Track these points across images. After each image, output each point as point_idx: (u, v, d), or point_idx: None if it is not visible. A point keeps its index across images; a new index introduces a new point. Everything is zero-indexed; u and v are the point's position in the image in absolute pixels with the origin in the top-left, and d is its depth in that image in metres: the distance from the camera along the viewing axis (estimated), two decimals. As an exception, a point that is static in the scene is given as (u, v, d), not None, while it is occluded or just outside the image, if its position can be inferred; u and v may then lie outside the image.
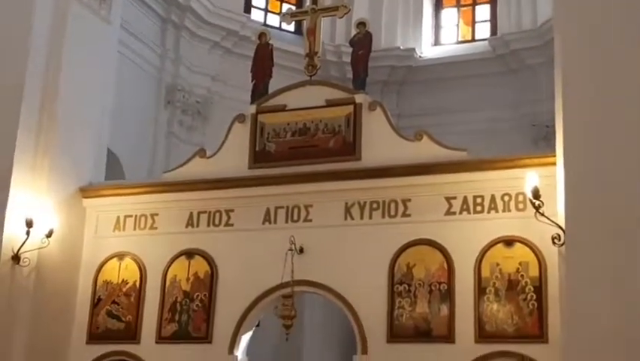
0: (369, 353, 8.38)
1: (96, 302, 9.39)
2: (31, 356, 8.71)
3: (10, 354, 8.59)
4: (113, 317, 9.29)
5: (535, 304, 7.85)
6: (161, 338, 9.07)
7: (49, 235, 8.91)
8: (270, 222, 9.09)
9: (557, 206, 7.56)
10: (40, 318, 8.88)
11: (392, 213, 8.68)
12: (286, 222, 9.02)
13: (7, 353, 8.58)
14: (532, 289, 7.90)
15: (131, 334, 9.16)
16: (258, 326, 9.52)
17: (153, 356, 9.03)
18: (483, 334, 7.98)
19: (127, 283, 9.36)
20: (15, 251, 8.75)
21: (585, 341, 6.75)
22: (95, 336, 9.29)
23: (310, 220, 8.95)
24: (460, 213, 8.39)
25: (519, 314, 7.89)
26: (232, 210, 9.26)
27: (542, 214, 7.52)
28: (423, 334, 8.23)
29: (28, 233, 8.78)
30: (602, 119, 7.20)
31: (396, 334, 8.32)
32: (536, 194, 7.52)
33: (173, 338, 9.03)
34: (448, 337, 8.12)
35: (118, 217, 9.63)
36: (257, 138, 9.27)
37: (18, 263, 8.74)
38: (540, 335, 7.76)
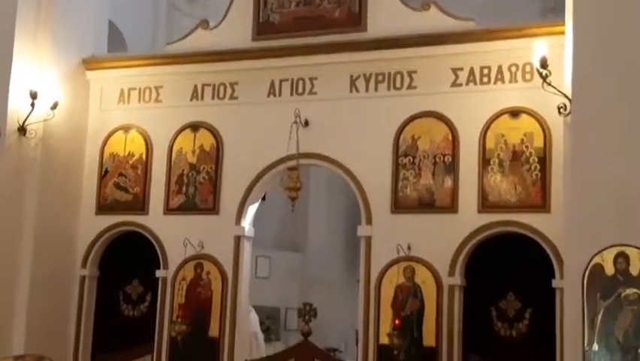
0: (374, 223, 8.52)
1: (103, 174, 9.50)
2: (41, 226, 8.88)
3: (20, 224, 8.75)
4: (121, 188, 9.42)
5: (539, 175, 7.92)
6: (168, 210, 9.23)
7: (53, 107, 8.90)
8: (274, 95, 9.06)
9: (564, 76, 7.49)
10: (49, 189, 9.00)
11: (398, 85, 8.63)
12: (291, 94, 8.98)
13: (17, 223, 8.74)
14: (536, 159, 7.94)
15: (139, 205, 9.31)
16: (263, 199, 9.66)
17: (161, 227, 9.21)
18: (486, 204, 8.09)
19: (133, 156, 9.43)
20: (21, 123, 8.76)
21: (587, 210, 6.82)
22: (103, 207, 9.46)
23: (315, 93, 8.91)
24: (467, 84, 8.34)
25: (522, 185, 7.97)
26: (236, 83, 9.21)
27: (549, 84, 7.45)
28: (426, 205, 8.34)
29: (32, 105, 8.75)
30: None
31: (400, 205, 8.43)
32: (544, 63, 7.43)
33: (180, 210, 9.18)
34: (452, 207, 8.23)
35: (122, 90, 9.60)
36: (260, 8, 9.10)
37: (24, 135, 8.77)
38: (542, 205, 7.86)
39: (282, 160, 8.70)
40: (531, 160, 7.97)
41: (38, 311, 8.77)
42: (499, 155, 8.08)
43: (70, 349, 9.25)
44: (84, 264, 9.41)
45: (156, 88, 9.49)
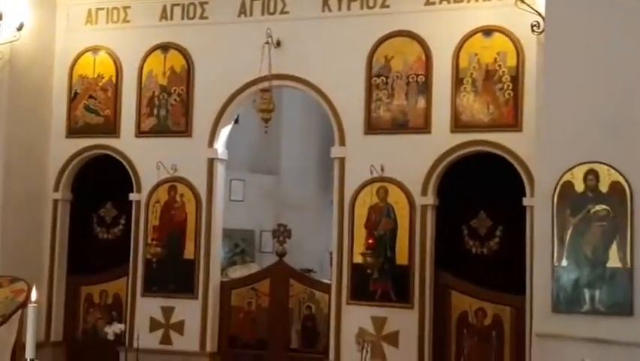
0: (347, 144, 8.53)
1: (73, 97, 9.37)
2: (11, 149, 8.79)
3: (-10, 147, 8.67)
4: (92, 111, 9.31)
5: (512, 94, 7.93)
6: (140, 133, 9.16)
7: (19, 29, 8.66)
8: (245, 15, 8.92)
9: (538, -7, 7.43)
10: (18, 112, 8.88)
11: (370, 4, 8.51)
12: (262, 14, 8.85)
13: (-13, 147, 8.66)
14: (509, 78, 7.94)
15: (111, 128, 9.23)
16: (236, 122, 9.60)
17: (134, 150, 9.16)
18: (459, 124, 8.11)
19: (103, 78, 9.30)
20: (-14, 45, 8.58)
21: (558, 128, 6.82)
22: (74, 130, 9.35)
23: (287, 12, 8.78)
24: (440, 2, 8.25)
25: (495, 104, 7.99)
26: (206, 2, 9.06)
27: (523, 1, 7.37)
28: (400, 125, 8.34)
29: (-3, 26, 8.57)
30: None
31: (373, 126, 8.43)
32: (515, -19, 7.35)
33: (152, 132, 9.12)
34: (425, 127, 8.25)
35: (89, 10, 9.41)
36: None
37: (-10, 57, 8.61)
38: (515, 124, 7.90)
39: (254, 82, 8.64)
40: (504, 79, 7.96)
41: (12, 235, 8.77)
42: (472, 74, 8.07)
43: (45, 272, 9.28)
44: (56, 187, 9.37)
45: (124, 8, 9.29)
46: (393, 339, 8.12)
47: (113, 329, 8.66)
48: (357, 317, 8.23)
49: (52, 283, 9.30)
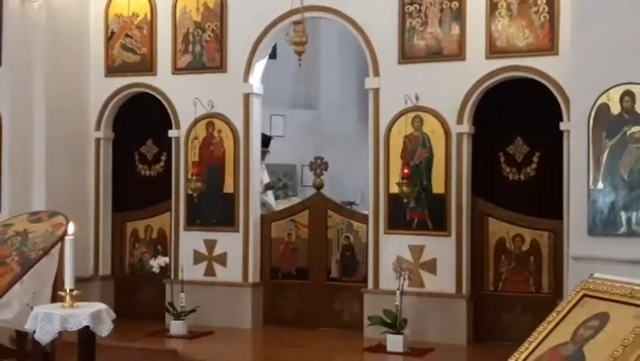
0: (381, 74, 8.48)
1: (109, 36, 9.46)
2: (51, 90, 8.92)
3: (30, 88, 8.80)
4: (128, 50, 9.40)
5: (547, 17, 7.76)
6: (177, 69, 9.23)
7: (54, -31, 8.77)
8: (276, -54, 8.83)
9: None
10: (56, 53, 8.99)
11: None
12: (293, -57, 8.74)
13: (27, 87, 8.79)
14: (544, 1, 7.76)
15: (147, 66, 9.31)
16: (274, 57, 9.58)
17: (171, 87, 9.24)
18: (494, 50, 7.98)
19: (138, 16, 9.35)
20: (21, -15, 8.68)
21: (594, 49, 6.69)
22: (112, 69, 9.46)
23: (318, -58, 8.66)
24: None
25: (530, 28, 7.83)
26: (237, -64, 8.98)
27: None
28: (434, 53, 8.25)
29: (32, -33, 8.64)
30: None
31: (407, 55, 8.35)
32: None
33: (188, 69, 9.18)
34: (459, 54, 8.14)
35: (122, -52, 9.43)
36: None
37: (27, -2, 8.72)
38: (551, 48, 7.75)
39: (286, 15, 8.58)
40: (539, 2, 7.78)
41: (57, 175, 8.97)
42: (506, -2, 7.91)
43: (91, 209, 9.52)
44: (98, 126, 9.54)
45: (155, -57, 9.29)
46: (430, 267, 8.19)
47: (158, 263, 8.91)
48: (394, 246, 8.29)
49: (98, 221, 9.55)
